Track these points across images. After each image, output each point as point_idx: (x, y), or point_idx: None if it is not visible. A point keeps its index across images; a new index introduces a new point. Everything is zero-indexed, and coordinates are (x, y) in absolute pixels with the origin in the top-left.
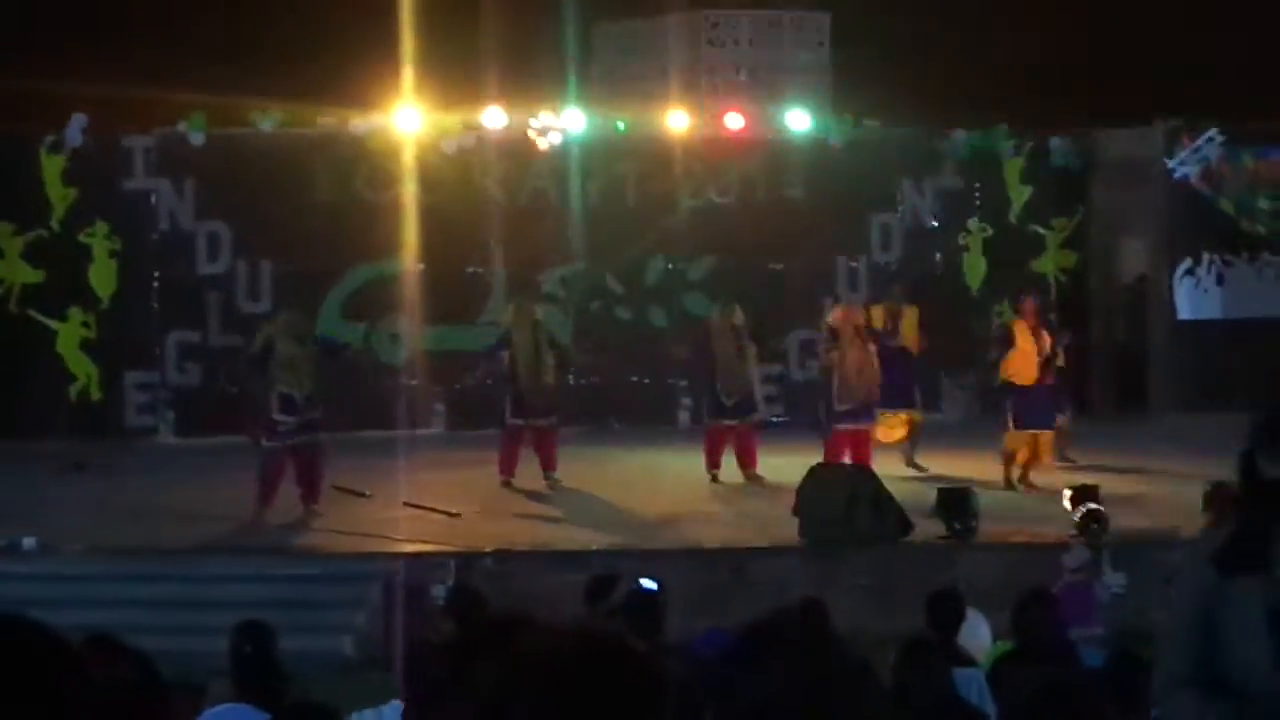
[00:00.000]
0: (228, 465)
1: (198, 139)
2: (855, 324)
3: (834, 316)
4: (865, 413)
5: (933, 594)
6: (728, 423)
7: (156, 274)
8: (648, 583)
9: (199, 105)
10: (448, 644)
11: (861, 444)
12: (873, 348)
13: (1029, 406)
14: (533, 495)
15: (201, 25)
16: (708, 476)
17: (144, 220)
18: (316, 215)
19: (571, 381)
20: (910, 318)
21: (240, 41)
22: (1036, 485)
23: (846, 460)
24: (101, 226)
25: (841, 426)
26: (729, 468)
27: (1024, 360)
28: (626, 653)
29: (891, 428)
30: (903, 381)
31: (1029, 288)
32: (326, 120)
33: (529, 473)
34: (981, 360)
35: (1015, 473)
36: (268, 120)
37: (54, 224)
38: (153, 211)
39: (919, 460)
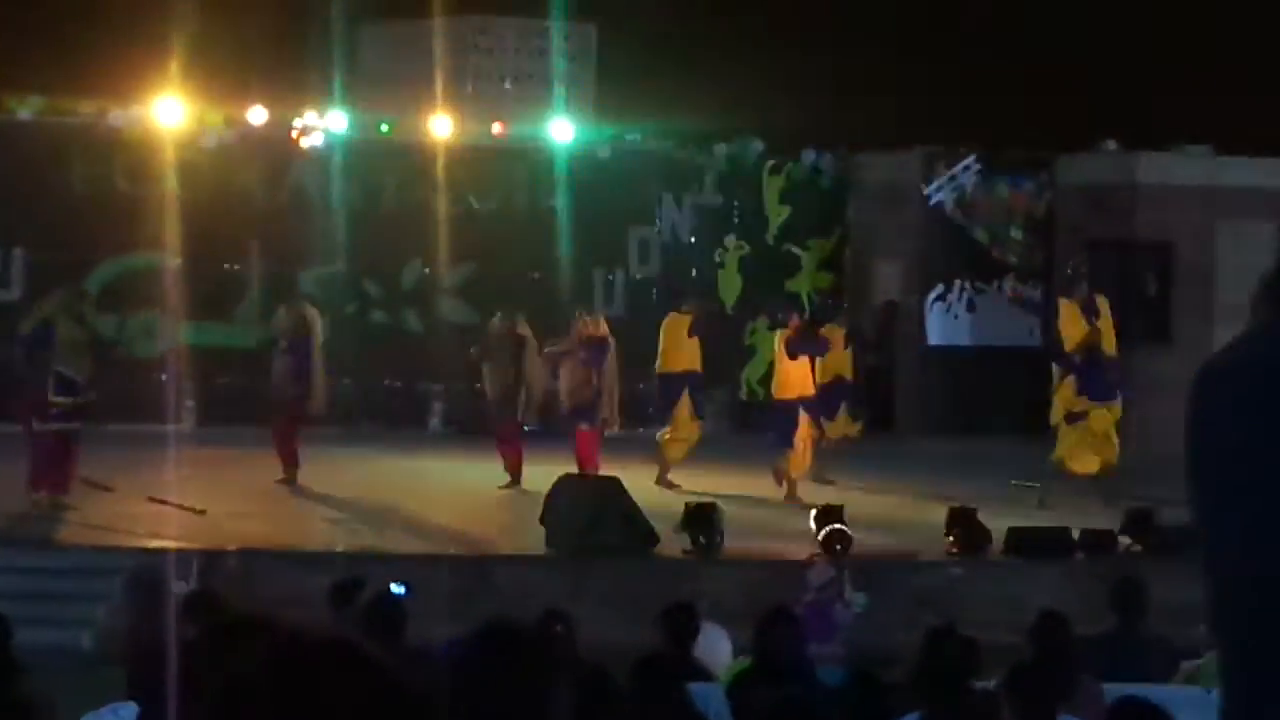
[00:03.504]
0: None
1: None
2: (582, 337)
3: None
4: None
5: (666, 607)
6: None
7: None
8: (397, 587)
9: None
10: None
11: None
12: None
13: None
14: (280, 496)
15: None
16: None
17: None
18: (73, 205)
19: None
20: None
21: (1, 26)
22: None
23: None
24: None
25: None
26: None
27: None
28: (363, 658)
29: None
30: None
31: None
32: (86, 110)
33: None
34: (733, 376)
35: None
36: (26, 108)
37: None
38: None
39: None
